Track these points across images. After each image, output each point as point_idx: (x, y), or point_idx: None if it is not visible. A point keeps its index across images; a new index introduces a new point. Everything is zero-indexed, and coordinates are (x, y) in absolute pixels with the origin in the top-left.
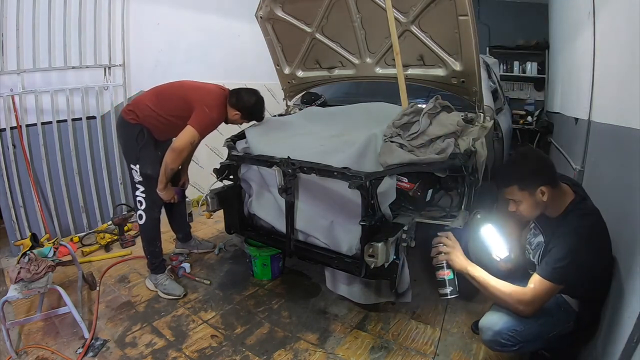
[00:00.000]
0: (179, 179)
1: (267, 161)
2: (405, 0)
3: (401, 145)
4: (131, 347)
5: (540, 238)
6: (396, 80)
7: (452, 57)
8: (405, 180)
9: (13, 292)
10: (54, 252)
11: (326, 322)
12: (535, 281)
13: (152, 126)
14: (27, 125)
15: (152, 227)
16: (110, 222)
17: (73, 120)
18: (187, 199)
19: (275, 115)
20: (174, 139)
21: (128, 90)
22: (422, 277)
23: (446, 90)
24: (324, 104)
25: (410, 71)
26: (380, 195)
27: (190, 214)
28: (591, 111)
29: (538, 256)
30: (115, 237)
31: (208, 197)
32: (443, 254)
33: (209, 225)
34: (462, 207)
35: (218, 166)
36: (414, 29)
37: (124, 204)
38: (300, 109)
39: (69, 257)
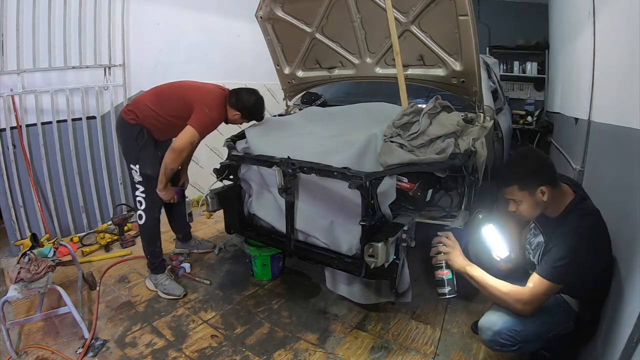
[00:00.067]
0: (178, 179)
1: (267, 161)
2: (405, 0)
3: (401, 145)
4: (131, 347)
5: (540, 238)
6: (396, 80)
7: (452, 57)
8: (405, 180)
9: (13, 292)
10: (54, 252)
11: (326, 322)
12: (534, 280)
13: (152, 126)
14: (27, 125)
15: (152, 227)
16: (110, 222)
17: (73, 120)
18: (187, 199)
19: (275, 115)
20: (174, 139)
21: (128, 90)
22: (422, 277)
23: (446, 90)
24: (324, 104)
25: (410, 71)
26: (380, 195)
27: (190, 214)
28: (591, 111)
29: (538, 256)
30: (115, 237)
31: (208, 197)
32: (442, 254)
33: (209, 225)
34: (462, 207)
35: (218, 166)
36: (414, 29)
37: (124, 204)
38: (300, 109)
39: (69, 257)
